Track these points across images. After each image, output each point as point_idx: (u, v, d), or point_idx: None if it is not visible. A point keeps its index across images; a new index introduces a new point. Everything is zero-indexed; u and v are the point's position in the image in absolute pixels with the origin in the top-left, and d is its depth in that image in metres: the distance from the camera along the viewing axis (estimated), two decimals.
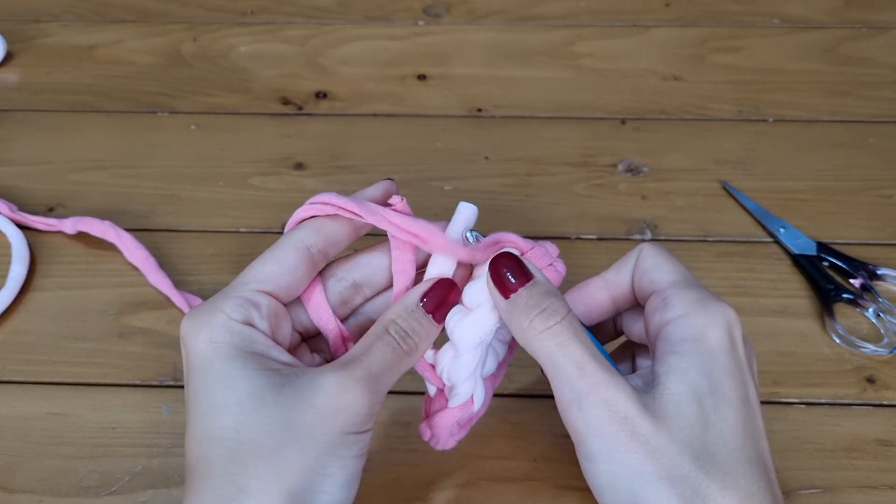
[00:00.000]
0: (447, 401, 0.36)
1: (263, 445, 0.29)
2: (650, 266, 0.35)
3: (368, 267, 0.35)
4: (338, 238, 0.35)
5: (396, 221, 0.34)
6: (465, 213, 0.35)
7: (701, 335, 0.32)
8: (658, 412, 0.30)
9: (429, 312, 0.33)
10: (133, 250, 0.49)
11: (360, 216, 0.34)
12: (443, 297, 0.34)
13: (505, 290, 0.32)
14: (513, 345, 0.38)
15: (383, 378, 0.32)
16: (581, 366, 0.31)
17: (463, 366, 0.34)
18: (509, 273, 0.33)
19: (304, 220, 0.35)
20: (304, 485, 0.29)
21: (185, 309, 0.47)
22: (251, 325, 0.31)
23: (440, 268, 0.35)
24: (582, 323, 0.33)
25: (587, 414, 0.31)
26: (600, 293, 0.37)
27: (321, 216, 0.35)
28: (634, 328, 0.37)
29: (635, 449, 0.30)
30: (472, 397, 0.36)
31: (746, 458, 0.31)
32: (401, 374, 0.33)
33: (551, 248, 0.36)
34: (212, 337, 0.31)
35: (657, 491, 0.30)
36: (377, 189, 0.36)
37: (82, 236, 0.52)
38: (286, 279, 0.33)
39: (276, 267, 0.33)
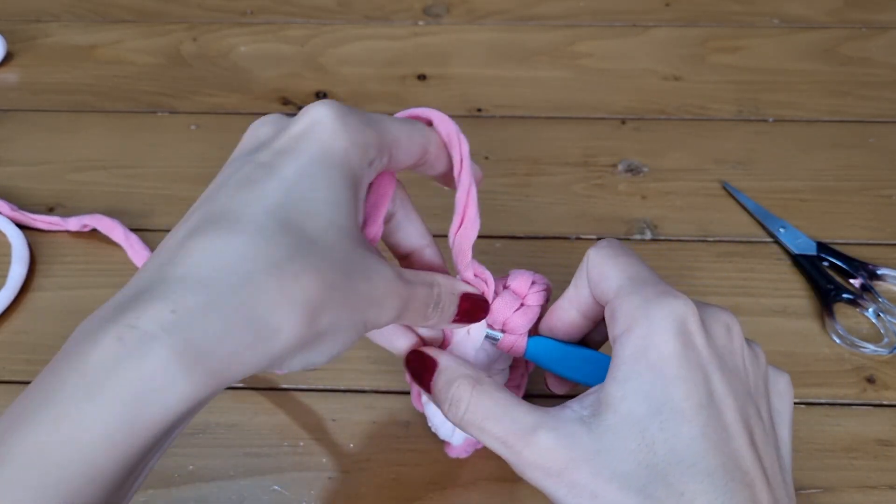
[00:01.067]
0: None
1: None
2: (596, 276, 0.33)
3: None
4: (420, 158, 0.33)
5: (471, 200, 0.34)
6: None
7: (643, 349, 0.29)
8: (596, 447, 0.29)
9: (460, 307, 0.34)
10: (140, 251, 0.50)
11: (460, 169, 0.34)
12: (478, 307, 0.35)
13: (425, 387, 0.33)
14: (518, 368, 0.38)
15: (405, 317, 0.31)
16: (504, 440, 0.30)
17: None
18: (419, 370, 0.34)
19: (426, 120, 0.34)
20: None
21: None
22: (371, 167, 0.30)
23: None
24: (557, 339, 0.35)
25: (530, 479, 0.30)
26: (569, 313, 0.35)
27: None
28: None
29: (583, 501, 0.29)
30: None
31: (707, 470, 0.28)
32: (407, 319, 0.32)
33: (522, 279, 0.36)
34: (353, 146, 0.29)
35: None
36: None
37: (83, 236, 0.52)
38: (398, 165, 0.32)
39: (406, 154, 0.32)
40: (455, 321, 0.34)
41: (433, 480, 0.41)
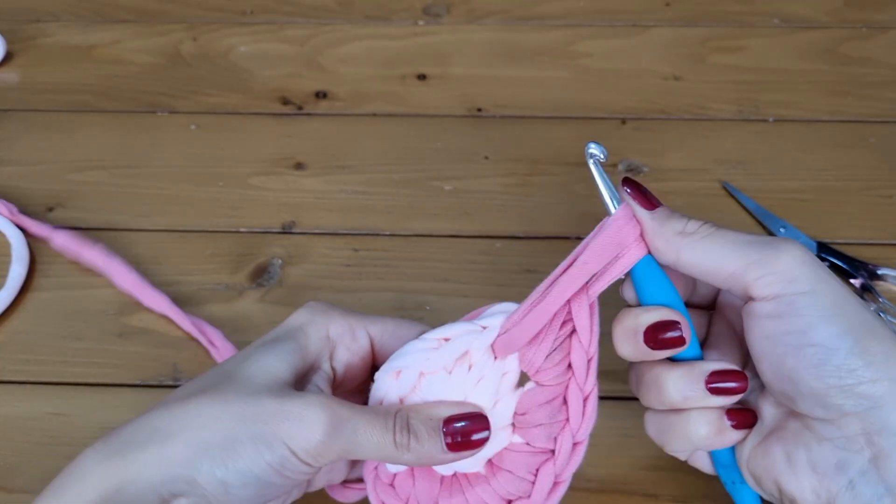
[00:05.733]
0: None
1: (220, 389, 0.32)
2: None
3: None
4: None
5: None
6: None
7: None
8: None
9: (446, 436, 0.32)
10: (125, 275, 0.48)
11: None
12: (469, 432, 0.32)
13: (648, 203, 0.34)
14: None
15: (355, 439, 0.31)
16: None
17: None
18: (646, 194, 0.34)
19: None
20: (215, 441, 0.31)
21: (188, 327, 0.46)
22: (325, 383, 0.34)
23: (485, 396, 0.33)
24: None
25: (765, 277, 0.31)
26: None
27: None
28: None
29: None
30: None
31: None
32: (370, 457, 0.32)
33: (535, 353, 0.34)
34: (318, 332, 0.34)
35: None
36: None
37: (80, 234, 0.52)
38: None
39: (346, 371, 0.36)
40: (451, 449, 0.32)
41: None
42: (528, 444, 0.33)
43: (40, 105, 0.61)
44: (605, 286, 0.33)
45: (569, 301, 0.32)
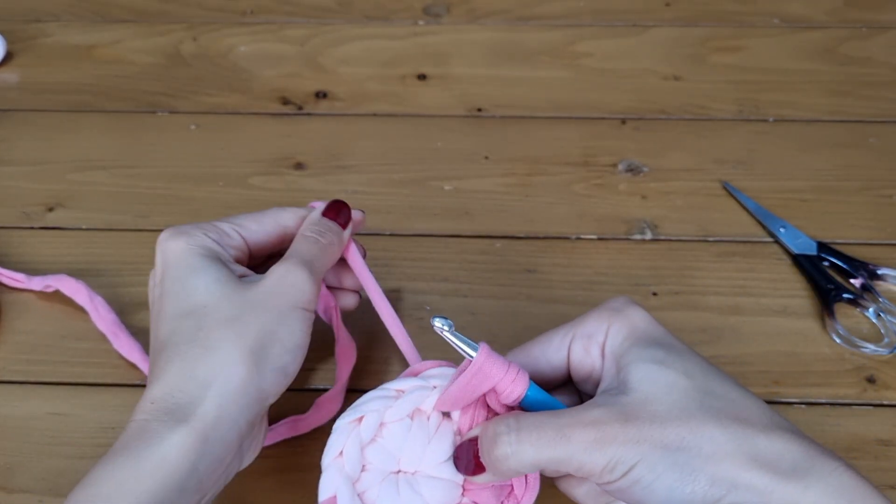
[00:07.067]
0: None
1: (226, 315, 0.35)
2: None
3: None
4: (321, 262, 0.40)
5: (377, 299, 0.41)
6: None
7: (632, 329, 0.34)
8: (636, 402, 0.31)
9: (332, 219, 0.41)
10: (104, 315, 0.47)
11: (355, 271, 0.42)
12: (339, 209, 0.41)
13: (478, 469, 0.33)
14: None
15: (316, 263, 0.38)
16: (562, 432, 0.31)
17: None
18: (468, 459, 0.33)
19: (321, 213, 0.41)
20: (259, 345, 0.35)
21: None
22: (220, 245, 0.38)
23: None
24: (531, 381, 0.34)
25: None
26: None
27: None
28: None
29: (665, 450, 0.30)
30: None
31: (734, 384, 0.32)
32: (328, 263, 0.40)
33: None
34: (188, 241, 0.38)
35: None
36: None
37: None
38: (259, 238, 0.40)
39: (258, 226, 0.40)
40: (340, 224, 0.41)
41: None
42: None
43: (40, 105, 0.61)
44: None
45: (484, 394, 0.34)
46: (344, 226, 0.41)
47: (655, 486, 0.30)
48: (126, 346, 0.46)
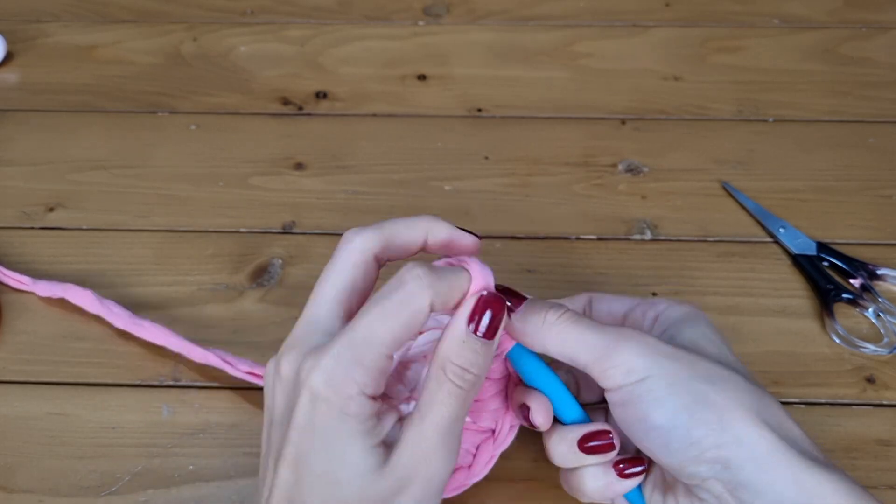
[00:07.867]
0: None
1: None
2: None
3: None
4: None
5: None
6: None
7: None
8: (682, 343, 0.35)
9: (481, 336, 0.31)
10: (120, 313, 0.46)
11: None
12: (492, 313, 0.32)
13: (515, 300, 0.35)
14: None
15: (456, 427, 0.31)
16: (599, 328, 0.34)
17: None
18: (508, 301, 0.34)
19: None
20: None
21: (220, 365, 0.44)
22: (376, 399, 0.31)
23: (481, 281, 0.32)
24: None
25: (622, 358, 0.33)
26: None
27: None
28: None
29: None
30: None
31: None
32: (468, 409, 0.32)
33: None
34: (343, 408, 0.30)
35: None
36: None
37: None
38: (405, 340, 0.31)
39: (405, 331, 0.31)
40: (488, 337, 0.32)
41: None
42: (474, 423, 0.37)
43: (40, 105, 0.61)
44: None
45: None
46: (492, 337, 0.32)
47: (666, 401, 0.32)
48: (151, 332, 0.45)
